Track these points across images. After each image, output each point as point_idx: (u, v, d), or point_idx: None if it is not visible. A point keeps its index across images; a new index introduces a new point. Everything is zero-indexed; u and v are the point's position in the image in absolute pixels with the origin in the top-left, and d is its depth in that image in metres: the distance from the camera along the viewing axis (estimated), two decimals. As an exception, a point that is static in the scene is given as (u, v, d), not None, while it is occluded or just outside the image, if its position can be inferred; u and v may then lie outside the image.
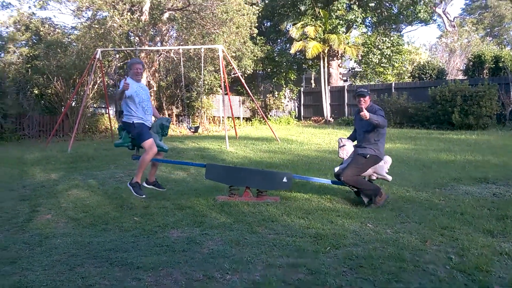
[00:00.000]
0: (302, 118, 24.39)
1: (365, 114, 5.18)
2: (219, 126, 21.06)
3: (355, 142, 5.96)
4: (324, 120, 22.31)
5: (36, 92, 18.06)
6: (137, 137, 5.59)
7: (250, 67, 20.81)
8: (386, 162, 5.74)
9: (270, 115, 24.53)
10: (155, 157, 5.78)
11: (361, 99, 5.58)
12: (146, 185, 6.01)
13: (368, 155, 5.52)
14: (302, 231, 4.45)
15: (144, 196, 5.49)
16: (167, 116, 20.33)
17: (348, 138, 6.07)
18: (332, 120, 21.90)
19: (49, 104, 17.84)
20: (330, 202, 5.80)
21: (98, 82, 17.24)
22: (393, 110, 17.63)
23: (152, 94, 19.16)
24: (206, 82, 19.48)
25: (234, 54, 19.08)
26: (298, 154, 10.58)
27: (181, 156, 10.61)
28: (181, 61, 15.10)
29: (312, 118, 23.62)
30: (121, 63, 19.37)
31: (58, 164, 9.36)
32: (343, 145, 5.76)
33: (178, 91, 20.80)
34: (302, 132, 16.50)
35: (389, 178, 5.74)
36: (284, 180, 5.76)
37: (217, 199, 5.76)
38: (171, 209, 5.38)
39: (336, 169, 5.81)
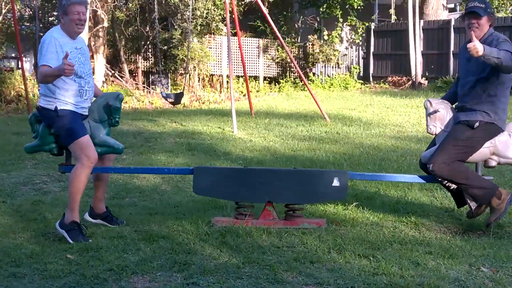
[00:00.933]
0: (371, 79, 24.27)
1: (476, 45, 5.12)
2: (220, 92, 21.16)
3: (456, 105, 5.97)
4: (411, 82, 22.13)
5: None
6: (64, 133, 5.65)
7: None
8: None
9: (314, 73, 24.49)
10: (99, 165, 5.88)
11: (474, 21, 5.52)
12: (89, 219, 6.11)
13: (477, 123, 5.52)
14: (365, 280, 4.49)
15: (90, 240, 5.59)
16: (125, 80, 20.54)
17: (443, 98, 6.09)
18: (426, 82, 21.70)
19: None
20: (416, 229, 5.81)
21: (3, 13, 17.50)
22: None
23: (101, 34, 19.35)
24: (198, 13, 19.51)
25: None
26: (361, 144, 10.61)
27: (152, 147, 10.74)
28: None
29: (390, 78, 23.44)
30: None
31: None
32: (435, 111, 5.76)
33: (147, 28, 20.91)
34: (371, 104, 16.47)
35: None
36: (335, 183, 5.80)
37: (214, 222, 5.83)
38: (132, 239, 5.46)
39: (424, 153, 5.85)
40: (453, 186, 5.60)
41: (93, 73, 19.46)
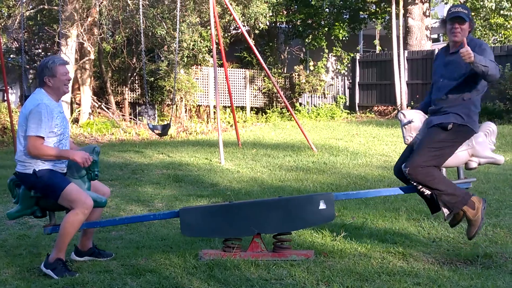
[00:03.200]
0: (357, 109, 24.46)
1: (469, 51, 5.17)
2: (207, 123, 21.21)
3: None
4: (396, 111, 22.29)
5: None
6: (48, 191, 5.57)
7: (265, 16, 20.88)
8: (490, 133, 5.77)
9: (300, 103, 24.62)
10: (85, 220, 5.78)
11: (457, 25, 5.60)
12: (77, 258, 6.07)
13: (451, 125, 5.56)
14: (352, 313, 4.49)
15: (77, 275, 5.53)
16: (112, 111, 20.52)
17: (418, 108, 6.13)
18: (413, 111, 21.92)
19: None
20: (404, 260, 5.81)
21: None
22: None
23: (88, 66, 19.39)
24: (185, 45, 19.63)
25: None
26: (348, 174, 10.64)
27: (139, 179, 10.72)
28: (141, 6, 15.29)
29: (376, 107, 23.63)
30: (31, 11, 19.64)
31: None
32: (409, 122, 5.81)
33: (134, 60, 21.00)
34: (357, 134, 16.55)
35: (500, 159, 5.80)
36: (321, 206, 5.82)
37: (201, 255, 5.83)
38: (119, 274, 5.45)
39: (399, 163, 5.89)
40: (427, 192, 5.63)
41: (79, 105, 19.55)
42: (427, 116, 5.92)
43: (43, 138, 5.44)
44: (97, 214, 6.02)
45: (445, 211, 5.63)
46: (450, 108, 5.62)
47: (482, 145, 5.70)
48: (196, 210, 6.13)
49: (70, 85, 5.67)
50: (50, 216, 5.86)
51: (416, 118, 5.80)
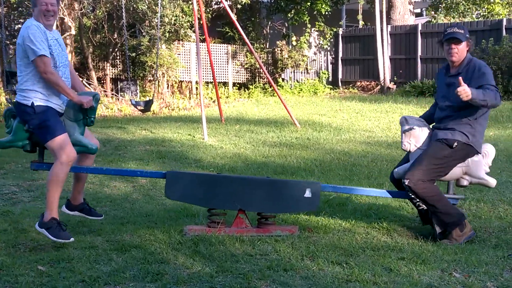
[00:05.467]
0: (340, 84, 24.47)
1: (466, 90, 5.21)
2: (190, 99, 21.12)
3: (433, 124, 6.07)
4: (379, 87, 22.36)
5: None
6: (40, 131, 5.59)
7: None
8: (487, 155, 5.83)
9: (283, 79, 24.58)
10: (77, 164, 5.85)
11: (454, 46, 5.64)
12: (67, 211, 6.07)
13: (456, 143, 5.61)
14: (339, 287, 4.52)
15: (72, 239, 5.55)
16: (93, 88, 20.43)
17: (421, 116, 6.16)
18: (394, 87, 21.96)
19: None
20: (388, 235, 5.87)
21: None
22: (503, 68, 17.69)
23: (68, 41, 19.21)
24: (167, 20, 19.49)
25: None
26: (332, 150, 10.68)
27: (122, 155, 10.69)
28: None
29: (359, 83, 23.65)
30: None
31: None
32: (410, 128, 5.84)
33: (115, 35, 20.83)
34: (340, 109, 16.58)
35: (493, 182, 5.84)
36: (307, 194, 5.86)
37: (186, 231, 5.84)
38: (104, 250, 5.44)
39: (397, 169, 5.91)
40: (423, 206, 5.69)
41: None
42: (428, 126, 5.95)
43: (46, 57, 5.47)
44: (89, 161, 6.05)
45: (437, 229, 5.69)
46: (456, 126, 5.64)
47: (477, 165, 5.74)
48: (184, 175, 6.17)
49: (53, 18, 5.63)
50: (39, 152, 5.95)
51: (418, 126, 5.83)
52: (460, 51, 5.65)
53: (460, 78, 5.39)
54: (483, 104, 5.37)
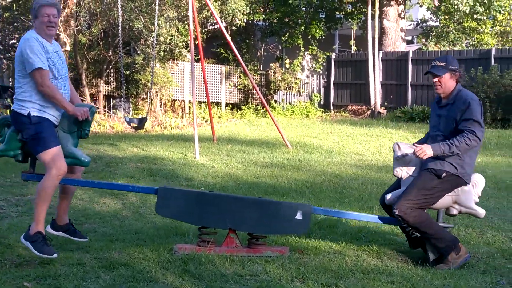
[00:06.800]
0: (331, 107, 24.51)
1: (424, 149, 5.50)
2: (182, 118, 21.11)
3: None
4: (370, 111, 22.43)
5: None
6: (33, 141, 5.57)
7: (243, 14, 20.83)
8: (476, 185, 5.85)
9: (276, 101, 24.63)
10: (66, 177, 5.79)
11: (435, 79, 5.77)
12: (52, 231, 6.00)
13: (445, 174, 5.63)
14: (327, 310, 4.49)
15: (55, 255, 5.49)
16: (88, 101, 20.41)
17: (417, 143, 6.15)
18: (385, 112, 22.02)
19: None
20: (378, 258, 5.84)
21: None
22: (491, 97, 17.78)
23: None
24: (162, 39, 19.51)
25: (212, -10, 19.19)
26: (323, 172, 10.65)
27: (113, 172, 10.63)
28: (117, -1, 15.18)
29: (350, 107, 23.71)
30: (7, 1, 19.39)
31: None
32: (402, 155, 5.84)
33: (110, 53, 20.83)
34: (332, 132, 16.58)
35: (482, 212, 5.85)
36: (298, 216, 5.84)
37: (176, 250, 5.80)
38: (92, 267, 5.39)
39: (388, 196, 5.90)
40: (416, 234, 5.70)
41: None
42: None
43: (43, 70, 5.47)
44: (78, 174, 6.01)
45: (431, 256, 5.69)
46: (445, 156, 5.66)
47: (467, 195, 5.77)
48: (176, 191, 6.15)
49: (55, 29, 5.67)
50: (31, 163, 5.91)
51: (410, 153, 5.83)
52: (444, 83, 5.73)
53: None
54: (454, 153, 5.52)
